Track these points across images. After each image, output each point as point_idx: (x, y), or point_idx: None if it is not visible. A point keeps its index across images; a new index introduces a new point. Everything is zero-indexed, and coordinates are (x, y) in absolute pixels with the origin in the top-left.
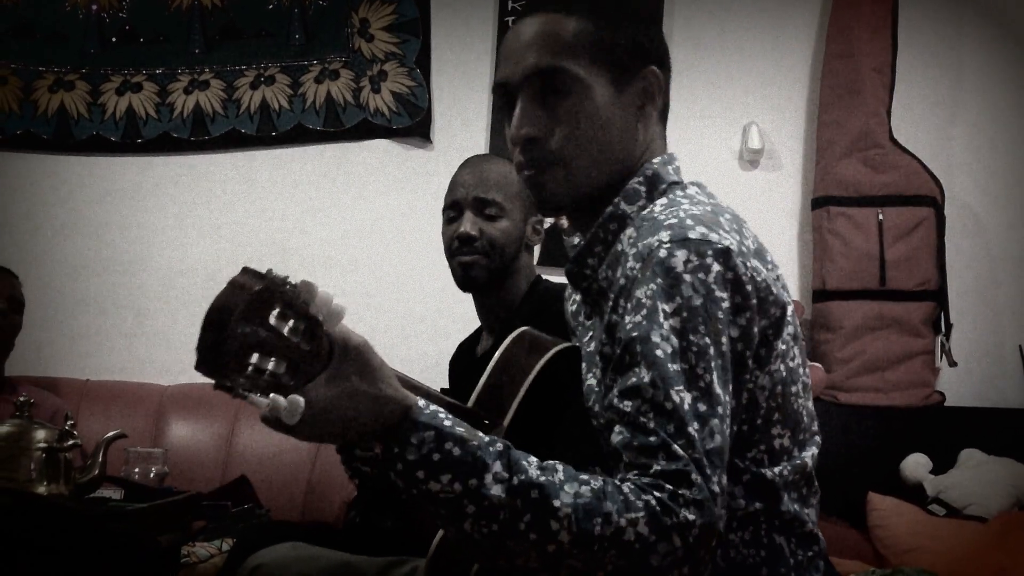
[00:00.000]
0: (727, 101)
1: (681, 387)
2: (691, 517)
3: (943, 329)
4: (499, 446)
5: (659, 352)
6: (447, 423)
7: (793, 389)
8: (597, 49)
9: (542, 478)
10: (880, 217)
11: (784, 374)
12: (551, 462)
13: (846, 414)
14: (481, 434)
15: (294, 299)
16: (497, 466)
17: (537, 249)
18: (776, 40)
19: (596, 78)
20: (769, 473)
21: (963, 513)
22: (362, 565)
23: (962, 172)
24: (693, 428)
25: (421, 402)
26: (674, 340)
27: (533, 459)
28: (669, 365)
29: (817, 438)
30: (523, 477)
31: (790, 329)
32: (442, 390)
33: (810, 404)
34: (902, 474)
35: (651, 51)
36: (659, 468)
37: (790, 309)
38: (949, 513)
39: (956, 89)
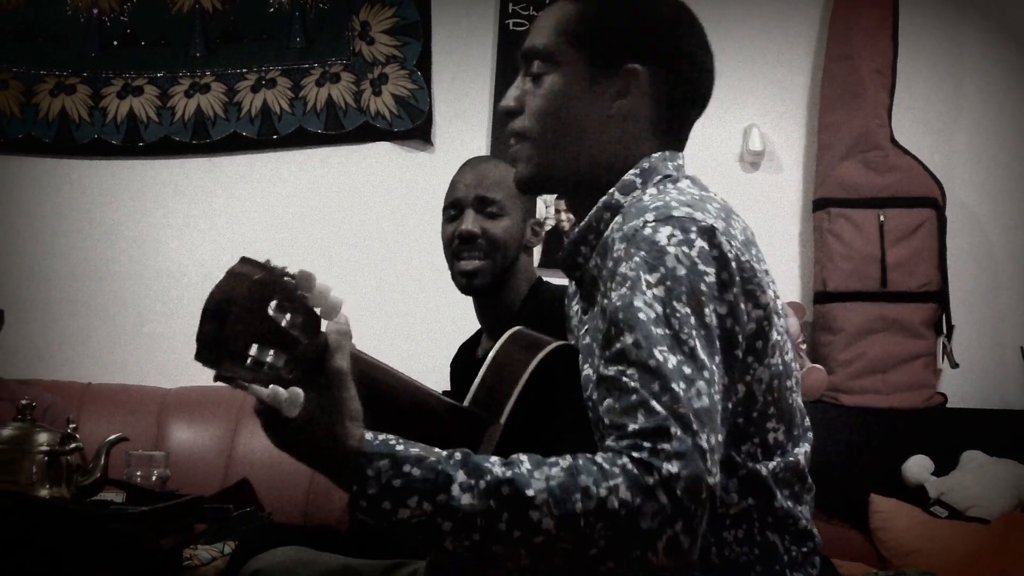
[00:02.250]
0: (728, 104)
1: (665, 348)
2: (673, 470)
3: (944, 330)
4: (457, 455)
5: (642, 315)
6: (400, 447)
7: (788, 383)
8: (581, 33)
9: (508, 473)
10: (881, 219)
11: (781, 368)
12: (515, 455)
13: (848, 416)
14: (438, 449)
15: (293, 290)
16: (461, 475)
17: (538, 251)
18: (776, 42)
19: (572, 63)
20: (763, 470)
21: (965, 515)
22: (363, 568)
23: (963, 173)
24: (679, 386)
25: (369, 434)
26: (657, 307)
27: (495, 458)
28: (653, 328)
29: (809, 434)
30: (489, 478)
31: (782, 322)
32: (443, 392)
33: (800, 400)
34: (904, 476)
35: (638, 49)
36: (636, 427)
37: (779, 302)
38: (951, 515)
39: (957, 90)
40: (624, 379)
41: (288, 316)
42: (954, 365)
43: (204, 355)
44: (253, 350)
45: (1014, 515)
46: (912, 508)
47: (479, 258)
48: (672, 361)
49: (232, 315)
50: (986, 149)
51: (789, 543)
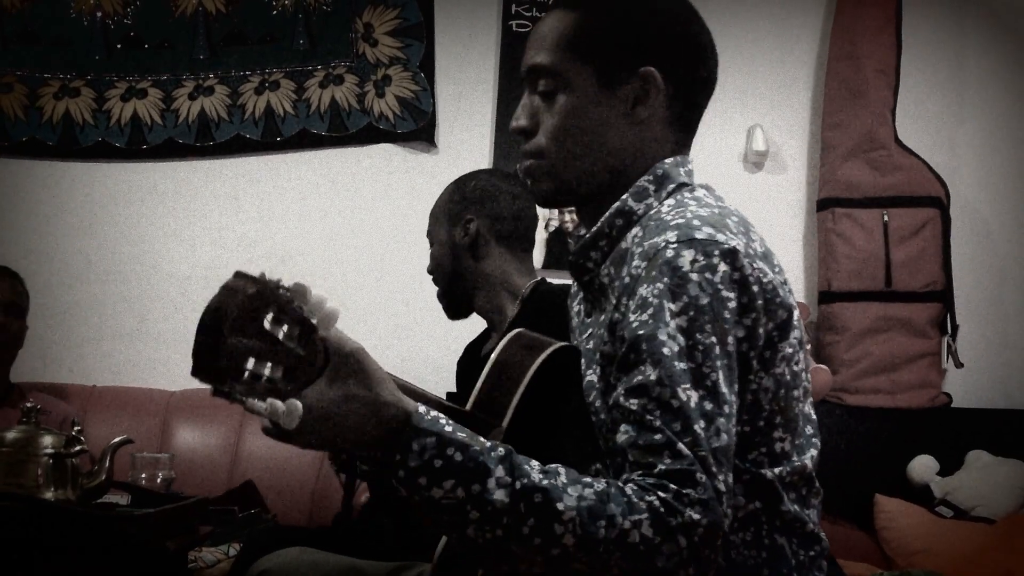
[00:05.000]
0: (731, 104)
1: (688, 385)
2: (696, 516)
3: (949, 330)
4: (501, 451)
5: (665, 350)
6: (448, 428)
7: (795, 393)
8: (587, 46)
9: (545, 482)
10: (885, 218)
11: (788, 378)
12: (553, 466)
13: (852, 416)
14: (483, 439)
15: (287, 303)
16: (500, 471)
17: (543, 253)
18: (780, 42)
19: (582, 75)
20: (769, 474)
21: (970, 515)
22: (369, 569)
23: (967, 172)
24: (699, 426)
25: (421, 408)
26: (680, 339)
27: (535, 463)
28: (676, 363)
29: (816, 441)
30: (526, 481)
31: (796, 333)
32: (448, 394)
33: (808, 408)
34: (909, 476)
35: (650, 52)
36: (664, 467)
37: (796, 313)
38: (956, 515)
39: (960, 89)
40: (648, 417)
41: (284, 328)
42: (959, 365)
43: (201, 371)
44: (250, 364)
45: (1019, 515)
46: (917, 508)
47: (438, 292)
48: (694, 398)
49: (227, 330)
50: (990, 148)
51: (797, 546)
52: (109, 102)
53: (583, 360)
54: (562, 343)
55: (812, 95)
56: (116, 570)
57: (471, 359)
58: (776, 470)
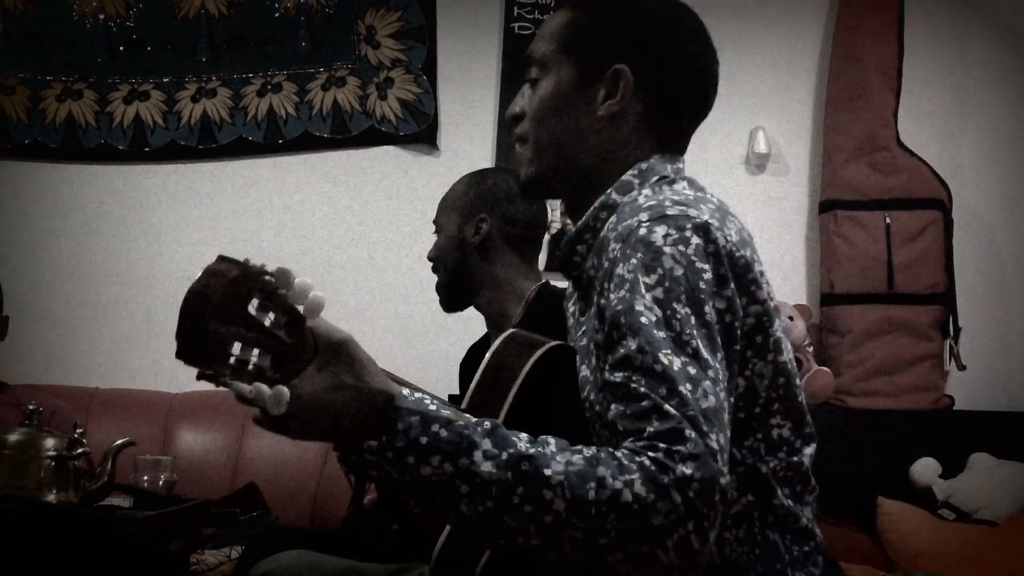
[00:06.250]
0: (734, 106)
1: (669, 351)
2: (688, 471)
3: (952, 332)
4: (487, 424)
5: (643, 320)
6: (432, 407)
7: (797, 381)
8: (571, 40)
9: (532, 450)
10: (888, 220)
11: (789, 366)
12: (543, 436)
13: (855, 418)
14: (469, 415)
15: (273, 289)
16: (486, 443)
17: (544, 255)
18: (782, 44)
19: (563, 66)
20: (763, 468)
21: (973, 517)
22: (369, 571)
23: (969, 175)
24: (685, 388)
25: (406, 391)
26: (657, 310)
27: (524, 435)
28: (655, 332)
29: (813, 437)
30: (512, 451)
31: (779, 322)
32: (451, 396)
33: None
34: (911, 478)
35: (626, 51)
36: (652, 430)
37: (773, 303)
38: (959, 517)
39: (963, 92)
40: (632, 385)
41: (271, 316)
42: (961, 367)
43: (185, 353)
44: (236, 349)
45: (1022, 517)
46: (920, 510)
47: (438, 282)
48: (677, 363)
49: (210, 313)
50: (992, 151)
51: (790, 542)
52: (111, 104)
53: (577, 356)
54: (556, 342)
55: (814, 97)
56: (118, 572)
57: (473, 361)
58: (771, 463)
